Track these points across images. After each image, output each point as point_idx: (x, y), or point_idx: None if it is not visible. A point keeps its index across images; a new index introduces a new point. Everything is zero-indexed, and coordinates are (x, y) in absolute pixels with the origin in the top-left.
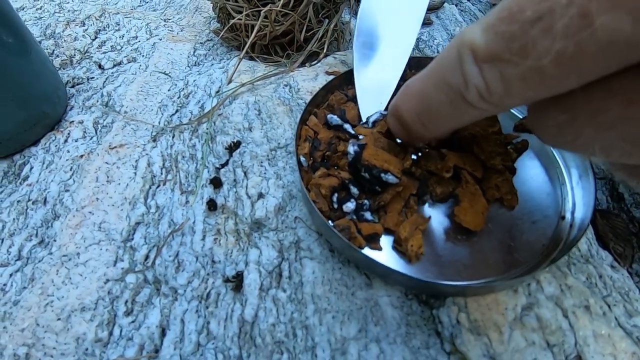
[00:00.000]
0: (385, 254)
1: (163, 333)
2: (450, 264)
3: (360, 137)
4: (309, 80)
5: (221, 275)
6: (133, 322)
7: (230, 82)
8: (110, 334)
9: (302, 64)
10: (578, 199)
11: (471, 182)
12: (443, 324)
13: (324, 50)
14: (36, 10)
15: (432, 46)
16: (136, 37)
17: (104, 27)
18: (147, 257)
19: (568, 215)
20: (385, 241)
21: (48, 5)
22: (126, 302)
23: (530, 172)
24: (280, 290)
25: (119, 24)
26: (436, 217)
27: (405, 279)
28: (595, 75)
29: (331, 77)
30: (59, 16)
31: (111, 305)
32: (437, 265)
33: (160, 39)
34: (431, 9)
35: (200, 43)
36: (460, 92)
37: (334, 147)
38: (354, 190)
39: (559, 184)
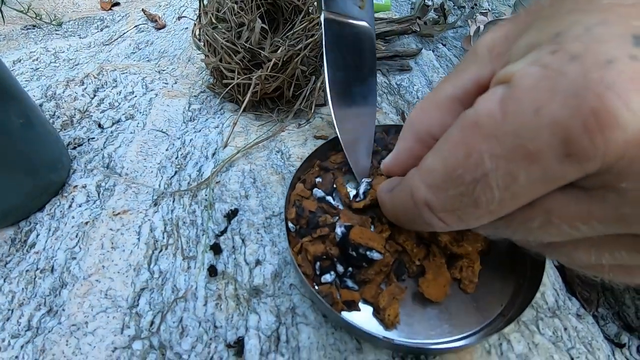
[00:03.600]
0: (368, 318)
1: None
2: (424, 325)
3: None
4: (299, 145)
5: (223, 339)
6: None
7: (226, 146)
8: None
9: (295, 116)
10: (533, 260)
11: (439, 256)
12: None
13: (312, 111)
14: (32, 61)
15: (411, 92)
16: (133, 93)
17: (102, 85)
18: (152, 322)
19: (524, 277)
20: (368, 307)
21: (44, 56)
22: None
23: None
24: (279, 355)
25: (116, 80)
26: (409, 282)
27: (385, 343)
28: (527, 202)
29: (319, 141)
30: (55, 66)
31: None
32: (410, 326)
33: (156, 94)
34: (410, 55)
35: (195, 96)
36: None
37: (316, 219)
38: (340, 268)
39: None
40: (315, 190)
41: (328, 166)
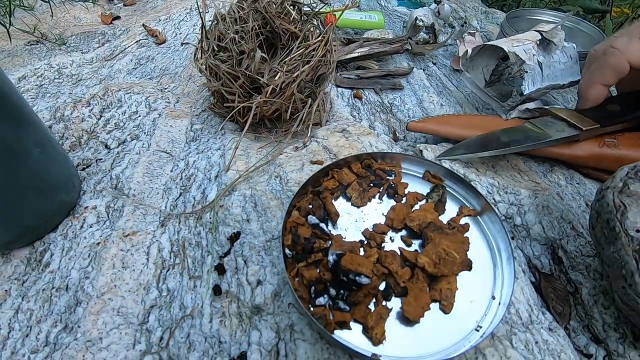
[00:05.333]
0: (358, 335)
1: None
2: (407, 342)
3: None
4: (296, 171)
5: (227, 354)
6: None
7: (228, 170)
8: None
9: (292, 137)
10: (505, 279)
11: (422, 279)
12: None
13: (308, 133)
14: (37, 78)
15: (403, 110)
16: (137, 112)
17: (108, 105)
18: (161, 338)
19: (497, 294)
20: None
21: (48, 73)
22: None
23: (473, 254)
24: None
25: (120, 101)
26: (396, 301)
27: (369, 358)
28: None
29: (315, 166)
30: (59, 82)
31: None
32: (395, 343)
33: (160, 114)
34: (402, 74)
35: (196, 115)
36: None
37: (311, 245)
38: (332, 291)
39: (492, 266)
40: (309, 217)
41: (320, 191)
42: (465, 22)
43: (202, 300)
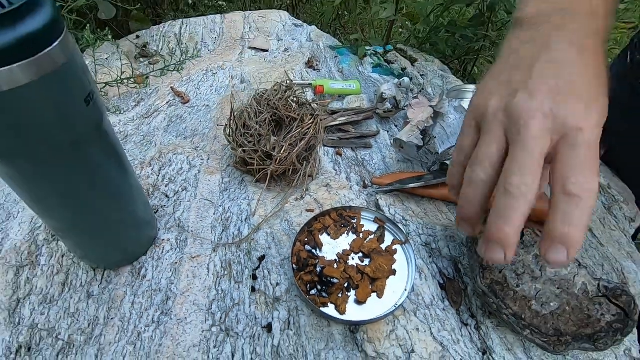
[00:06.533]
0: (333, 310)
1: (233, 357)
2: (359, 313)
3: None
4: (297, 216)
5: (260, 325)
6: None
7: (254, 215)
8: None
9: (294, 189)
10: (413, 280)
11: (367, 280)
12: (357, 339)
13: (304, 189)
14: None
15: (371, 164)
16: (182, 169)
17: (163, 165)
18: (221, 317)
19: (408, 288)
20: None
21: None
22: (213, 341)
23: (397, 266)
24: (290, 330)
25: (170, 160)
26: (353, 292)
27: (341, 321)
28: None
29: (309, 213)
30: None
31: (207, 345)
32: (352, 314)
33: (199, 171)
34: (371, 135)
35: (224, 170)
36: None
37: (307, 262)
38: (319, 287)
39: (407, 273)
40: (306, 246)
41: (312, 230)
42: (422, 89)
43: (244, 295)
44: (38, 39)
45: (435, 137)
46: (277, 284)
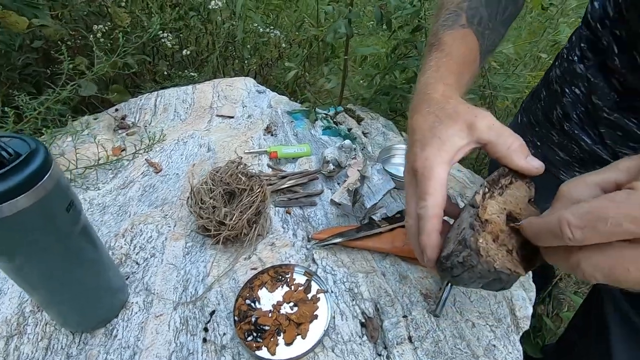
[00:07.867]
0: (265, 353)
1: None
2: (287, 352)
3: (261, 306)
4: (243, 275)
5: None
6: None
7: (208, 275)
8: None
9: (243, 250)
10: (330, 322)
11: (292, 325)
12: None
13: (252, 250)
14: None
15: (316, 220)
16: (151, 237)
17: (135, 235)
18: None
19: (326, 329)
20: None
21: (85, 204)
22: None
23: (319, 311)
24: None
25: (142, 230)
26: (281, 335)
27: None
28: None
29: (254, 271)
30: (92, 211)
31: None
32: (280, 354)
33: (166, 238)
34: (317, 194)
35: (188, 235)
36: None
37: (247, 314)
38: (255, 334)
39: (327, 317)
40: (247, 300)
41: (252, 286)
42: (364, 148)
43: (197, 346)
44: (36, 176)
45: (364, 196)
46: (224, 334)
